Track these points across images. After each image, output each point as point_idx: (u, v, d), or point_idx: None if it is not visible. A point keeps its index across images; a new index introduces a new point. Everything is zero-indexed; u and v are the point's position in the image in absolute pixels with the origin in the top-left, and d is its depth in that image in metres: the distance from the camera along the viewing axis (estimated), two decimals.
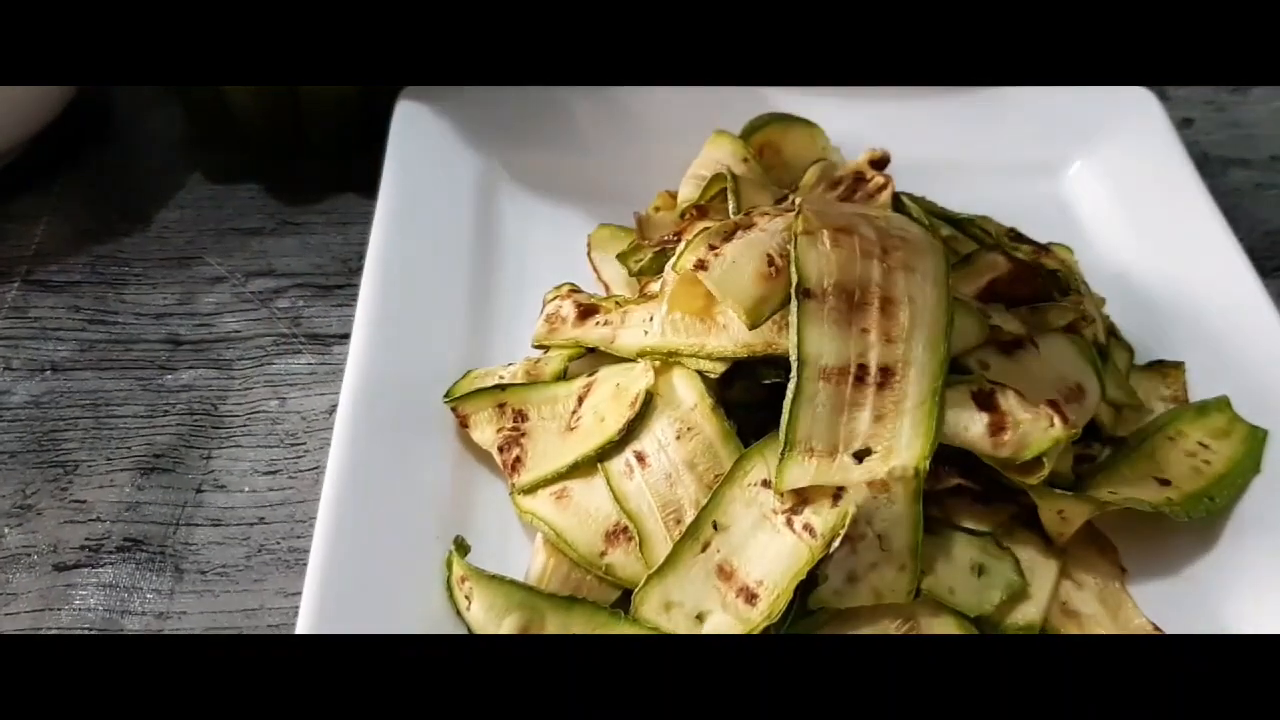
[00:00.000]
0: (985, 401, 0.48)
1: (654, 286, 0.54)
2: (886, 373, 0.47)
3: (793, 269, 0.47)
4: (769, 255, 0.48)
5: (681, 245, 0.51)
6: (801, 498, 0.46)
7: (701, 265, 0.49)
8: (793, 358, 0.46)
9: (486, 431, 0.53)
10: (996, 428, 0.47)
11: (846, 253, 0.48)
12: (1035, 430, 0.47)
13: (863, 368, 0.47)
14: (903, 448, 0.45)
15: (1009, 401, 0.48)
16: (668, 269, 0.52)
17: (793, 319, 0.47)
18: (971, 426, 0.47)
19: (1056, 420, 0.47)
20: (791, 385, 0.46)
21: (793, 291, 0.47)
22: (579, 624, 0.47)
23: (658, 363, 0.50)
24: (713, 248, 0.49)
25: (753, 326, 0.48)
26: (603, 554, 0.48)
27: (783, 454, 0.45)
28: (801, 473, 0.45)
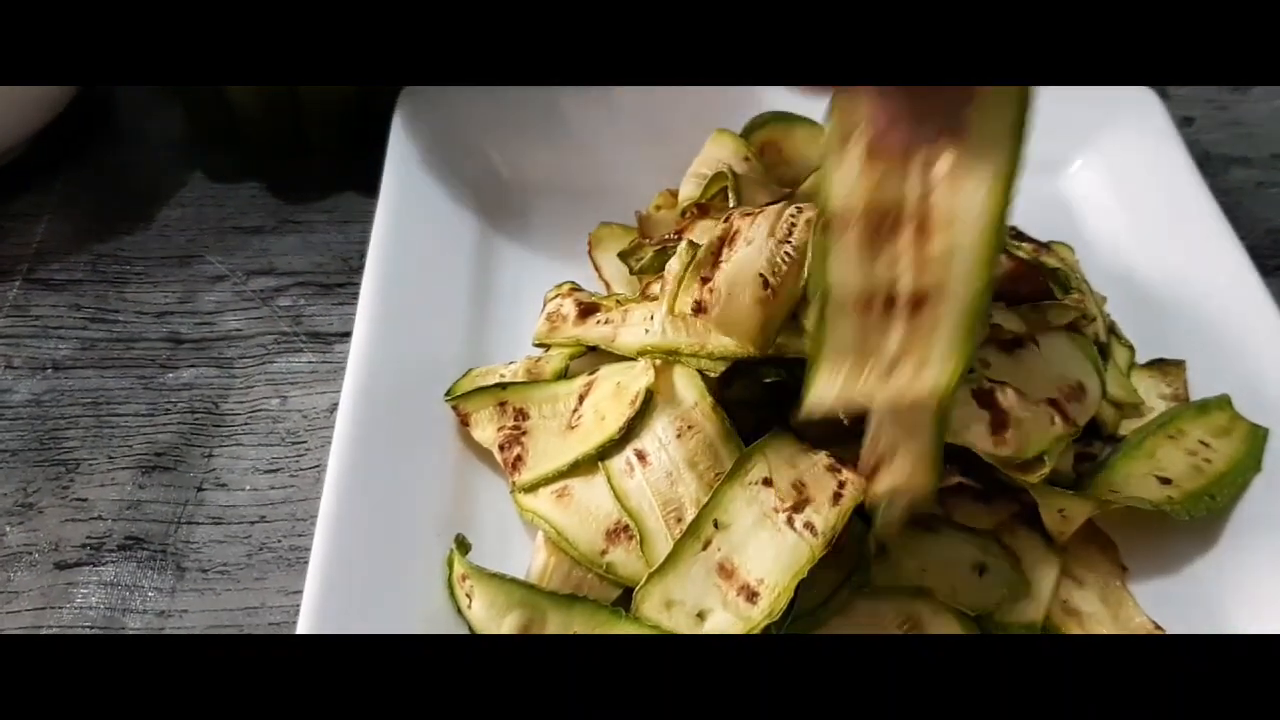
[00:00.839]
0: (985, 400, 0.48)
1: (655, 286, 0.54)
2: (919, 300, 0.41)
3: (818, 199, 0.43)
4: (761, 276, 0.48)
5: (671, 285, 0.50)
6: (803, 496, 0.46)
7: (700, 308, 0.48)
8: (812, 289, 0.43)
9: (487, 430, 0.53)
10: (998, 426, 0.47)
11: (882, 167, 0.42)
12: (1036, 429, 0.47)
13: (892, 295, 0.41)
14: (936, 361, 0.41)
15: (1009, 400, 0.48)
16: (668, 268, 0.52)
17: (812, 247, 0.44)
18: (972, 425, 0.47)
19: (1057, 419, 0.47)
20: (815, 310, 0.41)
21: (814, 224, 0.44)
22: (580, 622, 0.47)
23: (658, 361, 0.50)
24: (704, 280, 0.49)
25: (760, 353, 0.48)
26: (603, 552, 0.48)
27: (809, 372, 0.42)
28: (828, 386, 0.41)
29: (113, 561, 0.53)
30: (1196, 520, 0.51)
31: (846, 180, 0.42)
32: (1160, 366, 0.59)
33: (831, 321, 0.41)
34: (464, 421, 0.54)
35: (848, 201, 0.42)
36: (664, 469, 0.48)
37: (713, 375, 0.49)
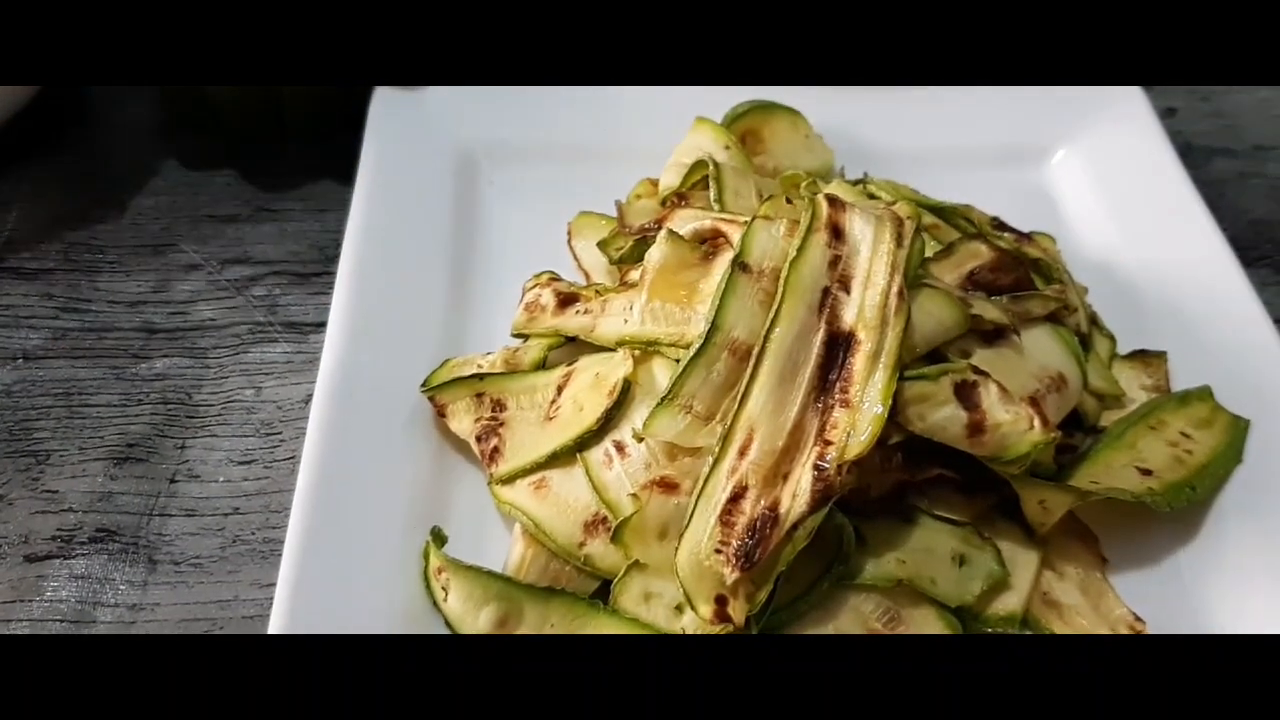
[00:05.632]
0: (966, 395, 0.47)
1: (634, 275, 0.53)
2: None
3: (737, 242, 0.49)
4: None
5: (650, 274, 0.51)
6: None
7: None
8: (706, 321, 0.46)
9: (464, 421, 0.52)
10: (975, 429, 0.47)
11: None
12: (1014, 433, 0.47)
13: None
14: None
15: (990, 398, 0.47)
16: (648, 257, 0.51)
17: (720, 285, 0.47)
18: (950, 427, 0.47)
19: (1036, 423, 0.47)
20: (696, 344, 0.46)
21: (730, 262, 0.48)
22: (557, 615, 0.47)
23: (637, 352, 0.50)
24: None
25: None
26: (581, 544, 0.48)
27: (661, 400, 0.46)
28: (670, 425, 0.46)
29: (84, 554, 0.52)
30: (1177, 511, 0.51)
31: (765, 243, 0.48)
32: (1142, 358, 0.59)
33: (706, 356, 0.46)
34: (440, 412, 0.53)
35: (759, 259, 0.48)
36: (642, 460, 0.48)
37: None
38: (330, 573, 0.46)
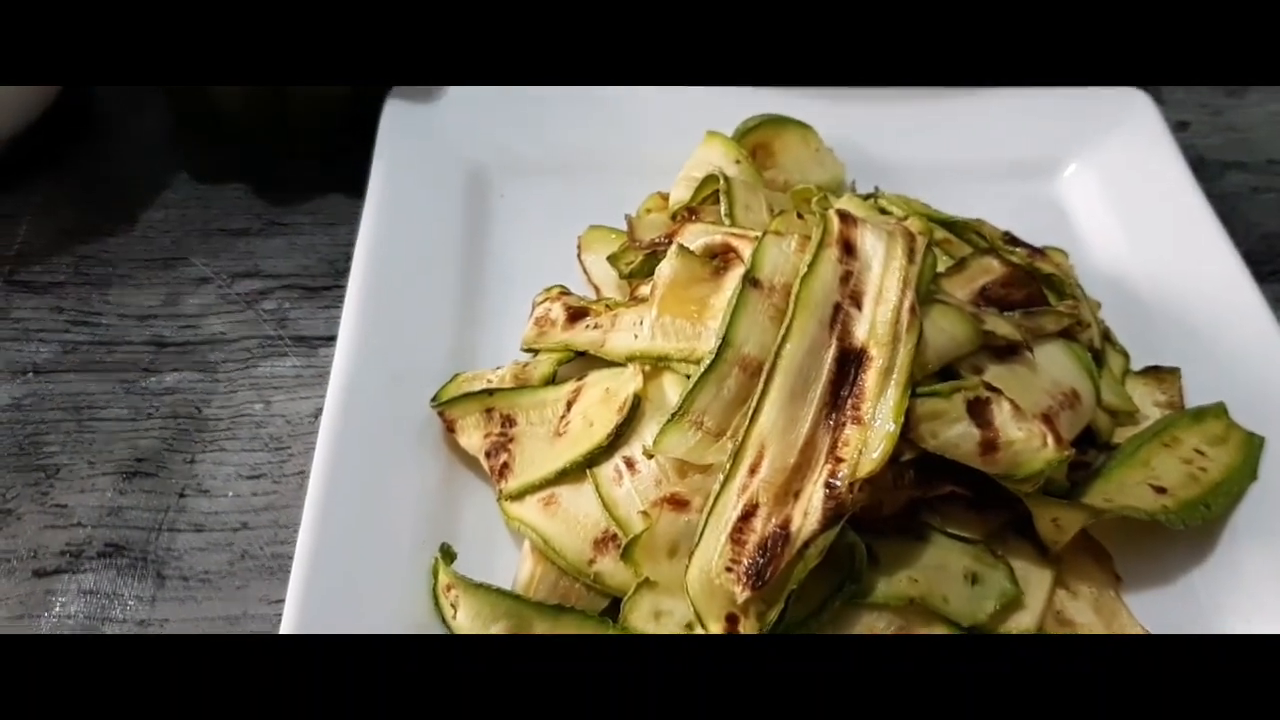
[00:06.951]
0: (979, 412, 0.47)
1: (644, 289, 0.53)
2: None
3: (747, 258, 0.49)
4: None
5: (660, 289, 0.50)
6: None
7: None
8: (717, 337, 0.46)
9: (474, 436, 0.52)
10: (988, 447, 0.46)
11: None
12: (1027, 451, 0.47)
13: None
14: None
15: (1003, 415, 0.47)
16: (658, 272, 0.51)
17: (730, 301, 0.47)
18: (962, 444, 0.46)
19: (1049, 440, 0.47)
20: (706, 360, 0.46)
21: (741, 277, 0.48)
22: (567, 632, 0.46)
23: (647, 367, 0.49)
24: None
25: None
26: (591, 561, 0.48)
27: (672, 417, 0.45)
28: (680, 442, 0.45)
29: (92, 569, 0.52)
30: (1191, 530, 0.50)
31: (775, 259, 0.48)
32: (1155, 374, 0.58)
33: (717, 371, 0.46)
34: (450, 428, 0.53)
35: (770, 275, 0.48)
36: (653, 476, 0.47)
37: None
38: (339, 589, 0.46)
